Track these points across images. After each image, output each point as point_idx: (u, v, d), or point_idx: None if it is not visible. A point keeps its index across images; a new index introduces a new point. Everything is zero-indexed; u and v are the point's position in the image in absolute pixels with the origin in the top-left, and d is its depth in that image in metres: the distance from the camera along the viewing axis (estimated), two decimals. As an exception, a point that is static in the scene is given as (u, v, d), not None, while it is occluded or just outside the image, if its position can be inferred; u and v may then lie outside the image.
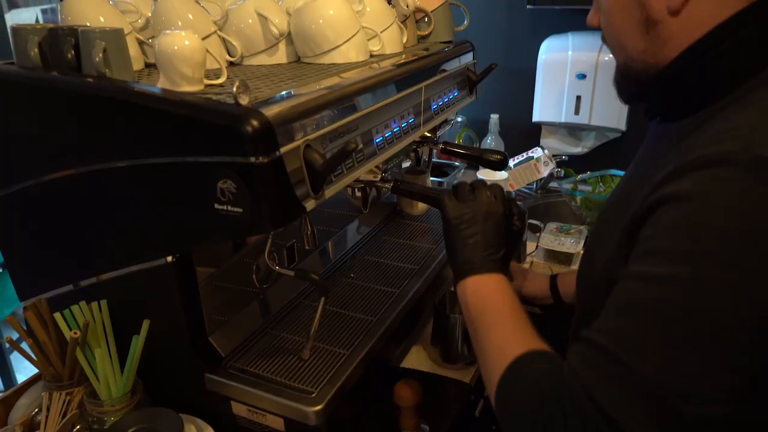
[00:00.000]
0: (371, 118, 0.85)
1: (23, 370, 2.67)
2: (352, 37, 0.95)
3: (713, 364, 0.50)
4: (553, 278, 1.04)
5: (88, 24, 0.84)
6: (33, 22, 3.07)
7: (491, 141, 2.04)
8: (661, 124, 0.71)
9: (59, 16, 0.88)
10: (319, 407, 0.76)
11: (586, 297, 0.76)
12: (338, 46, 0.94)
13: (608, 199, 0.80)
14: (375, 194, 1.14)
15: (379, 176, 0.92)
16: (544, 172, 1.88)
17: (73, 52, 0.77)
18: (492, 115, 2.03)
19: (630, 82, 0.70)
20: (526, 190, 1.95)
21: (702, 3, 0.60)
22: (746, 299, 0.49)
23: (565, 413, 0.54)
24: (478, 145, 2.13)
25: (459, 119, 2.16)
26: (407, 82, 0.97)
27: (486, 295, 0.72)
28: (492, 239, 0.77)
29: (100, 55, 0.74)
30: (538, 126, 2.03)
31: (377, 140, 0.87)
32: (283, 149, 0.66)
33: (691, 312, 0.51)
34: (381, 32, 1.03)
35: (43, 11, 3.12)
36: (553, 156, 1.92)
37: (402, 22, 1.15)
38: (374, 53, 1.03)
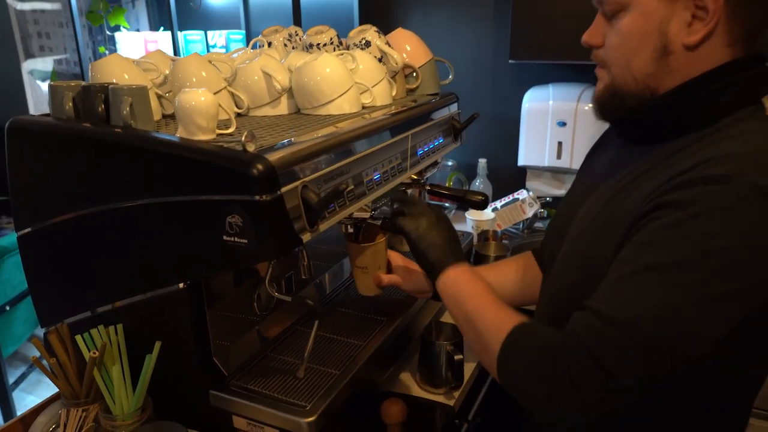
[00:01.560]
0: (362, 162, 0.97)
1: (24, 408, 2.71)
2: (345, 91, 1.07)
3: (695, 326, 0.64)
4: None
5: (115, 81, 0.96)
6: (48, 71, 3.25)
7: (480, 183, 2.17)
8: (633, 144, 0.81)
9: (89, 74, 1.01)
10: (311, 418, 0.84)
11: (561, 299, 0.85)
12: (333, 100, 1.06)
13: (573, 195, 0.92)
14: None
15: (369, 214, 1.03)
16: (529, 213, 1.99)
17: (103, 106, 0.89)
18: (480, 160, 2.16)
19: (617, 101, 0.78)
20: (514, 230, 2.06)
21: (712, 46, 0.71)
22: (726, 282, 0.63)
23: (569, 368, 0.66)
24: (467, 187, 2.25)
25: (449, 163, 2.29)
26: (394, 130, 1.10)
27: (466, 283, 0.85)
28: (449, 236, 0.91)
29: (128, 108, 0.86)
30: (524, 169, 2.16)
31: (367, 182, 0.98)
32: (283, 189, 0.77)
33: (681, 287, 0.64)
34: (372, 87, 1.16)
35: (57, 62, 3.30)
36: (538, 197, 2.04)
37: (392, 77, 1.28)
38: (366, 105, 1.15)
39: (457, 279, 0.86)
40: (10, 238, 2.56)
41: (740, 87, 0.73)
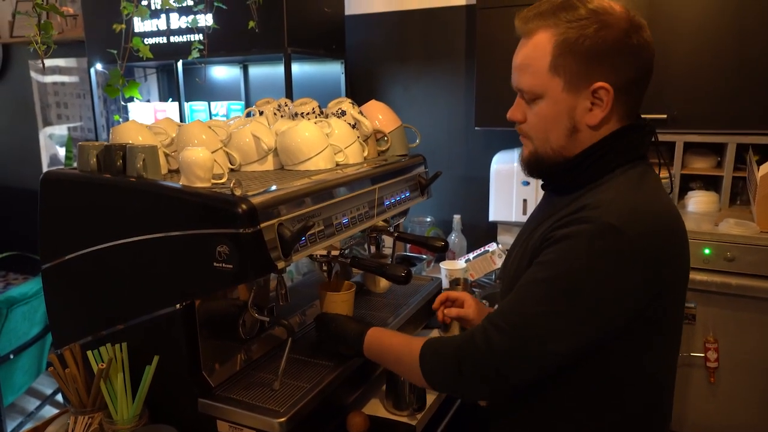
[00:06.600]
0: (331, 207, 1.17)
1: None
2: (321, 151, 1.29)
3: (556, 326, 0.88)
4: None
5: (131, 142, 1.18)
6: (64, 137, 3.53)
7: (455, 237, 2.36)
8: (553, 195, 1.04)
9: (110, 137, 1.23)
10: (283, 419, 1.00)
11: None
12: (311, 158, 1.28)
13: (515, 240, 1.14)
14: (338, 269, 1.43)
15: (338, 252, 1.22)
16: (499, 263, 2.18)
17: (121, 161, 1.10)
18: (455, 216, 2.37)
19: (540, 165, 1.00)
20: (486, 280, 2.24)
21: (608, 123, 0.94)
22: (576, 297, 0.87)
23: (474, 352, 0.93)
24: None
25: (428, 219, 2.50)
26: (363, 183, 1.30)
27: (376, 339, 1.14)
28: (345, 325, 1.20)
29: (141, 163, 1.07)
30: (494, 224, 2.37)
31: (336, 224, 1.18)
32: (262, 225, 0.96)
33: (549, 296, 0.88)
34: (345, 148, 1.38)
35: (73, 128, 3.59)
36: (507, 250, 2.22)
37: (364, 140, 1.51)
38: (339, 163, 1.37)
39: (370, 343, 1.15)
40: (19, 289, 2.72)
41: (619, 150, 0.95)
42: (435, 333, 1.70)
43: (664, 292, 0.91)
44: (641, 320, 0.90)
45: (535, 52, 0.93)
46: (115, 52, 2.14)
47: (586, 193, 0.94)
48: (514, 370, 0.91)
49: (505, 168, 2.25)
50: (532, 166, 1.03)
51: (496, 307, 0.97)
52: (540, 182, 1.10)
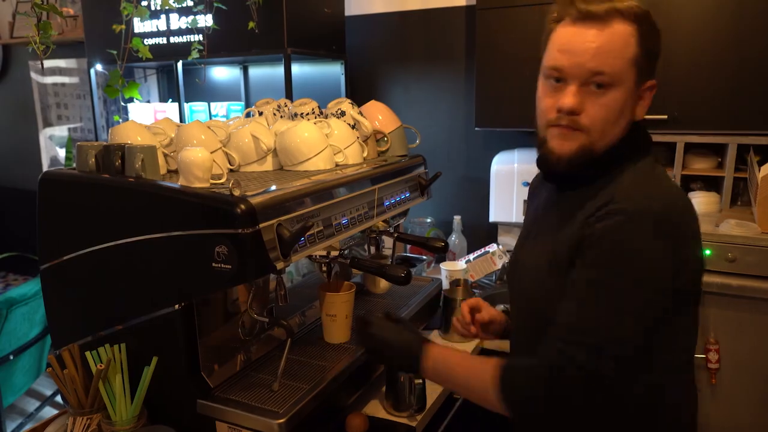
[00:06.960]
0: (331, 208, 1.16)
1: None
2: (320, 152, 1.29)
3: (627, 321, 0.88)
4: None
5: (130, 142, 1.18)
6: (64, 138, 3.52)
7: (455, 239, 2.36)
8: (563, 189, 1.02)
9: (109, 137, 1.23)
10: (282, 420, 0.99)
11: (521, 305, 1.09)
12: (310, 158, 1.28)
13: (525, 239, 1.11)
14: (338, 269, 1.42)
15: (338, 253, 1.22)
16: (499, 264, 2.17)
17: (120, 161, 1.10)
18: (455, 217, 2.36)
19: (588, 158, 0.95)
20: (486, 281, 2.23)
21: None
22: (627, 293, 0.87)
23: (562, 375, 0.88)
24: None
25: (428, 220, 2.49)
26: (362, 183, 1.30)
27: (439, 360, 1.02)
28: (398, 334, 1.07)
29: (140, 163, 1.07)
30: (495, 225, 2.36)
31: (335, 224, 1.18)
32: (261, 225, 0.96)
33: (611, 295, 0.88)
34: (344, 148, 1.37)
35: (73, 129, 3.59)
36: (507, 251, 2.22)
37: (364, 141, 1.50)
38: (339, 163, 1.37)
39: (434, 362, 1.02)
40: (19, 290, 2.72)
41: (637, 142, 0.99)
42: (435, 334, 1.71)
43: (697, 270, 0.95)
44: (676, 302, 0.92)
45: (619, 40, 0.91)
46: (115, 52, 2.13)
47: (606, 186, 0.95)
48: (604, 379, 0.87)
49: (506, 169, 2.24)
50: (578, 160, 0.95)
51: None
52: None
